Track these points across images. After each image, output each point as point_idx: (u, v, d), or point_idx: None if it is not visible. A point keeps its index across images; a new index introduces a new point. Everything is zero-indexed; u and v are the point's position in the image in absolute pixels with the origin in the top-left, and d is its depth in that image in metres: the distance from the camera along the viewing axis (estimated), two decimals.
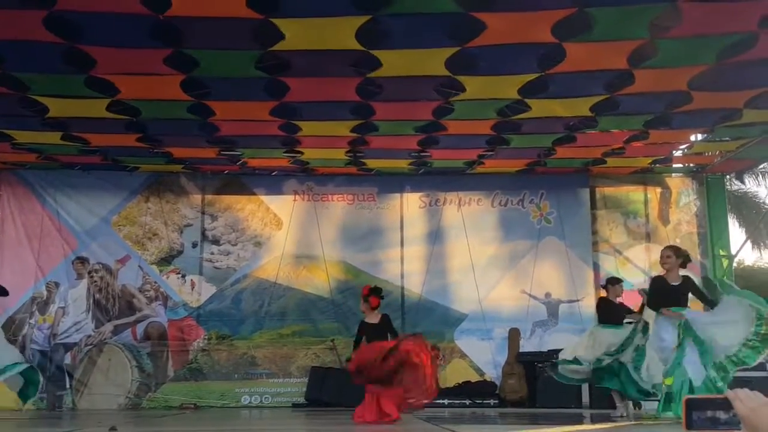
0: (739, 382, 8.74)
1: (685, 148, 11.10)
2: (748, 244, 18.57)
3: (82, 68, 7.41)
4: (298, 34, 6.78)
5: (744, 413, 1.65)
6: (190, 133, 9.11)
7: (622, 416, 7.58)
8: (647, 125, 8.99)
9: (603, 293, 8.59)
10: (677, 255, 7.20)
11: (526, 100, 8.15)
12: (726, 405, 1.67)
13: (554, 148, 9.91)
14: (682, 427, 1.69)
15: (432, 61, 7.34)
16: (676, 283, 7.13)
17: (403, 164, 10.84)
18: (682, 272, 7.25)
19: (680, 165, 11.88)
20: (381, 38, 6.85)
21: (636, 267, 11.18)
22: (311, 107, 8.42)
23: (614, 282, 8.47)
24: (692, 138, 10.42)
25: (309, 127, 8.93)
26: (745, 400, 1.66)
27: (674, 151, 10.92)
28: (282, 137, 9.32)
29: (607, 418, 7.53)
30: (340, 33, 6.78)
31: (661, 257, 7.33)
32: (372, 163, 10.88)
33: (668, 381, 6.74)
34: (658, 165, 11.19)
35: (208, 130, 9.02)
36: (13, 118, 8.76)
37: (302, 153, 10.18)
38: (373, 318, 7.56)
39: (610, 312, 8.13)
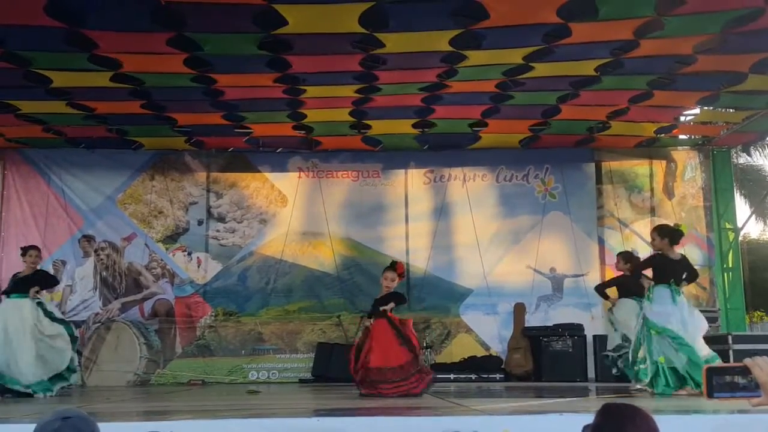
0: (743, 355, 8.82)
1: (691, 117, 11.03)
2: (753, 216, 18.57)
3: (84, 49, 7.42)
4: (300, 20, 6.79)
5: (763, 380, 1.66)
6: (195, 97, 9.08)
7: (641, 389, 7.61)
8: (651, 85, 8.96)
9: (617, 271, 8.73)
10: (661, 235, 7.24)
11: (531, 64, 8.17)
12: (745, 371, 1.69)
13: (558, 106, 9.82)
14: (703, 395, 1.72)
15: (436, 41, 7.38)
16: (677, 258, 7.23)
17: (407, 126, 10.61)
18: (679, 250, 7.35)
19: (686, 137, 11.82)
20: (384, 22, 6.88)
21: (642, 241, 11.17)
22: (315, 76, 8.44)
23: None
24: (696, 103, 10.30)
25: (313, 89, 8.93)
26: (764, 367, 1.67)
27: (679, 118, 10.79)
28: (287, 99, 9.28)
29: (616, 391, 7.56)
30: (343, 18, 6.79)
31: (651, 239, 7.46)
32: (376, 126, 10.62)
33: (661, 359, 6.86)
34: (663, 135, 11.11)
35: (213, 94, 9.00)
36: (17, 90, 8.76)
37: (306, 116, 10.10)
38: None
39: (637, 286, 8.27)
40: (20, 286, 8.26)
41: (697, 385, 6.62)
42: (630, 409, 1.96)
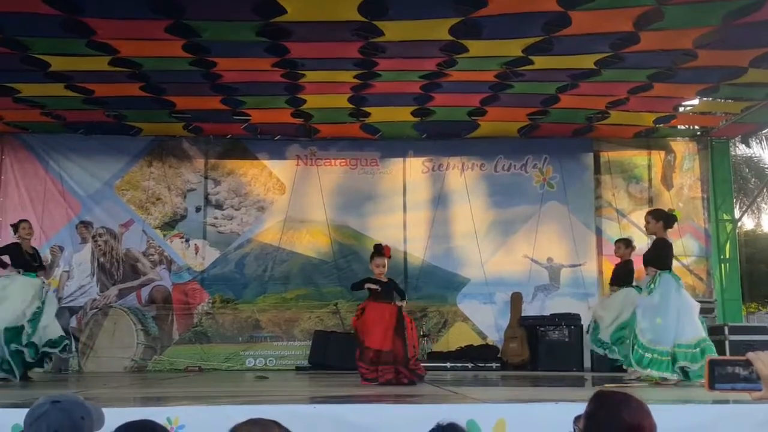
0: (739, 345, 8.85)
1: (690, 108, 11.01)
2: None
3: (82, 35, 7.41)
4: (300, 9, 6.77)
5: (765, 373, 1.66)
6: (193, 80, 9.06)
7: (639, 378, 7.58)
8: (651, 78, 8.96)
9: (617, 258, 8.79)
10: (656, 218, 7.19)
11: (531, 57, 8.17)
12: (746, 365, 1.69)
13: (558, 95, 9.78)
14: (704, 387, 1.72)
15: (435, 29, 7.34)
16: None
17: (406, 114, 10.55)
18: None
19: (684, 127, 11.81)
20: (383, 10, 6.85)
21: (639, 231, 11.17)
22: (314, 62, 8.43)
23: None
24: (696, 94, 10.28)
25: (312, 74, 8.92)
26: (766, 361, 1.67)
27: (678, 108, 10.76)
28: (285, 84, 9.26)
29: (612, 381, 7.58)
30: (342, 7, 6.77)
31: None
32: (375, 114, 10.58)
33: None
34: (661, 125, 11.09)
35: (212, 77, 8.98)
36: (15, 73, 8.73)
37: (305, 101, 10.04)
38: (382, 277, 7.45)
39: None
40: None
41: None
42: (623, 396, 1.98)
